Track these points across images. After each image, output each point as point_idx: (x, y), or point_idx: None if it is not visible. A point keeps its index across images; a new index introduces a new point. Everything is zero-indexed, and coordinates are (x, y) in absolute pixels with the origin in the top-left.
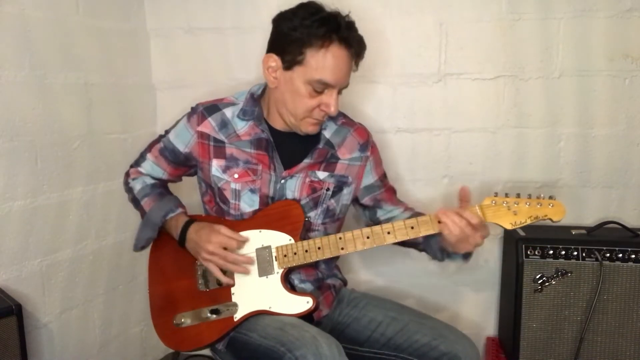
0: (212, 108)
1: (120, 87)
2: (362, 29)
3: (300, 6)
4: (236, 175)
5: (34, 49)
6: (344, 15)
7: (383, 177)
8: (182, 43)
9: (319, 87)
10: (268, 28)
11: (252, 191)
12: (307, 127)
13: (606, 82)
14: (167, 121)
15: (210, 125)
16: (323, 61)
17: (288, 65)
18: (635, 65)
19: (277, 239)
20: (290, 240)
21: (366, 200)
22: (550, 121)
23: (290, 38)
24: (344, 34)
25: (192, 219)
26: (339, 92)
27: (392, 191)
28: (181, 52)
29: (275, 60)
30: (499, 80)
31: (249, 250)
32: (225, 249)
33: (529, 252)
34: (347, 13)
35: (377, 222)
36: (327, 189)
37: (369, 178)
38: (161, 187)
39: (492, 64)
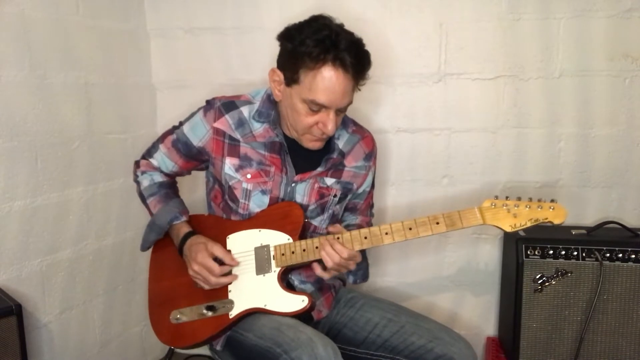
0: (229, 105)
1: (120, 87)
2: (362, 29)
3: (307, 22)
4: (249, 176)
5: (34, 49)
6: (349, 33)
7: (372, 188)
8: (182, 43)
9: (314, 107)
10: (268, 28)
11: (263, 192)
12: (308, 144)
13: (606, 82)
14: (167, 121)
15: (227, 123)
16: (314, 82)
17: (288, 82)
18: (635, 65)
19: (276, 238)
20: (288, 239)
21: (347, 203)
22: (550, 121)
23: (289, 56)
24: (340, 55)
25: (191, 232)
26: (343, 110)
27: (368, 203)
28: (181, 52)
29: (278, 75)
30: (499, 80)
31: (248, 248)
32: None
33: (529, 252)
34: (354, 32)
35: (335, 222)
36: (335, 195)
37: (364, 186)
38: (168, 187)
39: (492, 64)
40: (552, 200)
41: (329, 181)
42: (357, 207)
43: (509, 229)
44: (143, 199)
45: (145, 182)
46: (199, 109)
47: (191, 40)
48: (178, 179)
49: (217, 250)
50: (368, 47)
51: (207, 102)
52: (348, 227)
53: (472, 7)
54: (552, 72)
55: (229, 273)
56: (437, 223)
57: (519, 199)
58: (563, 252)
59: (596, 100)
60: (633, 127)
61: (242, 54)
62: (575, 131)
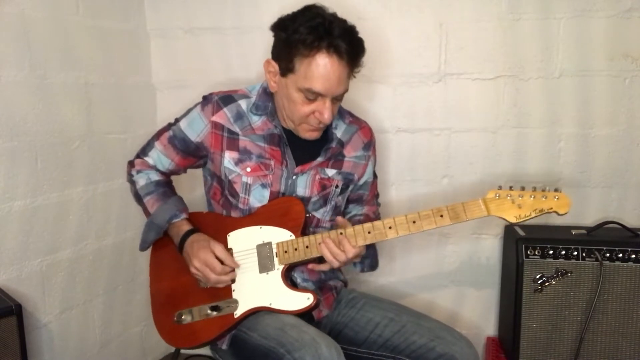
0: (227, 99)
1: (120, 87)
2: (362, 29)
3: (300, 12)
4: (249, 169)
5: (34, 49)
6: (342, 21)
7: (375, 178)
8: (182, 43)
9: (310, 95)
10: (268, 28)
11: (263, 186)
12: (305, 133)
13: (606, 82)
14: (167, 121)
15: (225, 116)
16: (309, 70)
17: (283, 72)
18: (635, 65)
19: (278, 235)
20: (291, 236)
21: (352, 195)
22: (550, 121)
23: (283, 45)
24: (334, 42)
25: (193, 229)
26: (339, 99)
27: (373, 194)
28: (181, 52)
29: (273, 66)
30: (499, 80)
31: (250, 246)
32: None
33: (529, 252)
34: (346, 19)
35: (338, 214)
36: (336, 186)
37: (366, 176)
38: (165, 186)
39: (492, 64)
40: (556, 190)
41: (330, 172)
42: (363, 198)
43: (513, 220)
44: (139, 199)
45: (141, 181)
46: (195, 105)
47: (191, 40)
48: (176, 178)
49: (219, 251)
50: (368, 47)
51: (204, 97)
52: (355, 217)
53: (472, 7)
54: (552, 72)
55: (232, 272)
56: (441, 216)
57: (523, 189)
58: (563, 252)
59: (596, 100)
60: (633, 127)
61: (241, 54)
62: (575, 131)
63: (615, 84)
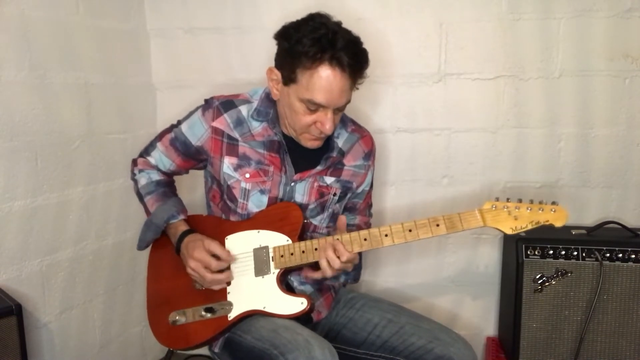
0: (228, 104)
1: (120, 87)
2: (362, 29)
3: (304, 20)
4: (247, 175)
5: (34, 49)
6: (346, 32)
7: (371, 188)
8: (182, 43)
9: (312, 106)
10: (268, 28)
11: (262, 192)
12: (307, 142)
13: (606, 82)
14: (167, 121)
15: (225, 122)
16: (312, 81)
17: (285, 81)
18: (635, 65)
19: (274, 239)
20: (287, 240)
21: (346, 202)
22: (550, 121)
23: (286, 55)
24: (337, 54)
25: (189, 230)
26: (341, 109)
27: (367, 203)
28: (181, 52)
29: (276, 74)
30: (499, 80)
31: (247, 250)
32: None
33: (529, 252)
34: (352, 30)
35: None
36: (334, 194)
37: (363, 185)
38: (165, 186)
39: (492, 64)
40: (554, 203)
41: (329, 180)
42: (357, 206)
43: (509, 232)
44: (140, 198)
45: (142, 180)
46: (197, 108)
47: (191, 40)
48: (177, 178)
49: (214, 247)
50: (368, 47)
51: (206, 101)
52: (347, 227)
53: (472, 7)
54: (552, 72)
55: (227, 270)
56: (438, 225)
57: (520, 200)
58: (563, 252)
59: (596, 100)
60: (633, 127)
61: (242, 54)
62: (575, 131)
63: (615, 84)
